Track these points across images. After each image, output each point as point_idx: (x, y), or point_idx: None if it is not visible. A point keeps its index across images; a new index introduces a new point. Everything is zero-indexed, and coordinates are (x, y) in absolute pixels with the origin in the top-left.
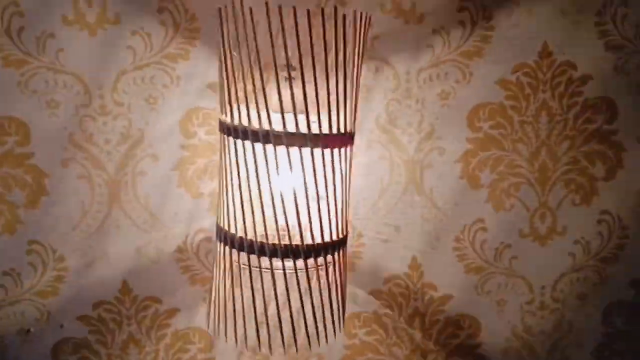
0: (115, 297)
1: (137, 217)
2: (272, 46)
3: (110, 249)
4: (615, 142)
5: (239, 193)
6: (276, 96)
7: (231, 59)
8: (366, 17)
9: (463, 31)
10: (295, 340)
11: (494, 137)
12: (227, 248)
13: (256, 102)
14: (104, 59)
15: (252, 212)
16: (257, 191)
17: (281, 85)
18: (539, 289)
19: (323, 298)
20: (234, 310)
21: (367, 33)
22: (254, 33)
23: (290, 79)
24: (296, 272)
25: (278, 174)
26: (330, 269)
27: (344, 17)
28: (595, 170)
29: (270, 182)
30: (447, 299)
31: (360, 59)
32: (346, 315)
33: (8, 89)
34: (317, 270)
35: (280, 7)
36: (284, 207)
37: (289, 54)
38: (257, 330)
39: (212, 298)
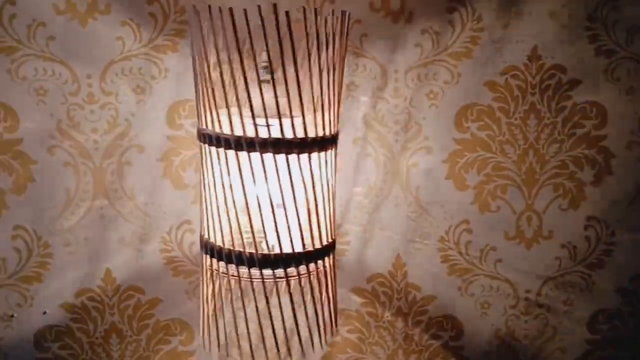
0: (98, 285)
1: (121, 207)
2: (253, 46)
3: (94, 238)
4: (604, 148)
5: (215, 202)
6: (252, 101)
7: (204, 65)
8: (347, 18)
9: (452, 32)
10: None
11: (481, 139)
12: (213, 259)
13: (227, 109)
14: (94, 49)
15: (232, 221)
16: (238, 200)
17: (256, 90)
18: (524, 292)
19: (314, 306)
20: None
21: (348, 34)
22: (235, 34)
23: (272, 80)
24: (287, 279)
25: (254, 182)
26: (317, 277)
27: (325, 19)
28: (584, 175)
29: (246, 190)
30: (430, 299)
31: (341, 60)
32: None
33: None
34: (300, 279)
35: (259, 7)
36: (273, 215)
37: (265, 57)
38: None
39: (202, 311)
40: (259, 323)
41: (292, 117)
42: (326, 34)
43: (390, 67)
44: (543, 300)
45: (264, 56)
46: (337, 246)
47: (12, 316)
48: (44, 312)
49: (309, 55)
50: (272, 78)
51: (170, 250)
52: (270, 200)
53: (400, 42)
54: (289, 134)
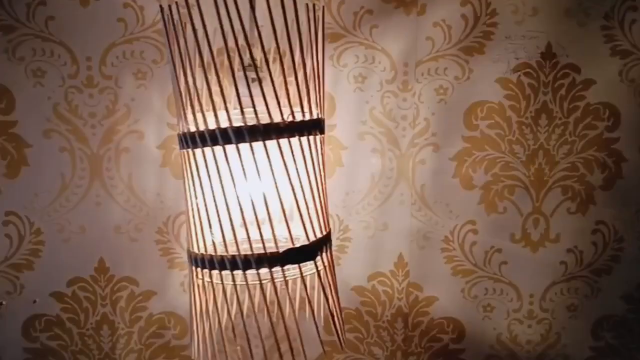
0: (90, 275)
1: (118, 195)
2: (224, 37)
3: (88, 226)
4: (616, 151)
5: (204, 206)
6: (233, 92)
7: (180, 60)
8: (320, 8)
9: (465, 26)
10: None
11: (490, 137)
12: (209, 270)
13: (212, 101)
14: (94, 30)
15: (226, 223)
16: (226, 198)
17: (238, 79)
18: (528, 296)
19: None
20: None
21: (323, 22)
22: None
23: (256, 69)
24: (285, 279)
25: (245, 177)
26: (320, 273)
27: (295, 5)
28: (594, 178)
29: (236, 186)
30: (432, 300)
31: (318, 44)
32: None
33: None
34: (302, 276)
35: None
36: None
37: (241, 44)
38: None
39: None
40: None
41: (274, 105)
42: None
43: (400, 60)
44: (547, 305)
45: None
46: (339, 243)
47: (1, 304)
48: (34, 301)
49: (300, 43)
50: (255, 65)
51: (167, 241)
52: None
53: (412, 34)
54: (265, 120)
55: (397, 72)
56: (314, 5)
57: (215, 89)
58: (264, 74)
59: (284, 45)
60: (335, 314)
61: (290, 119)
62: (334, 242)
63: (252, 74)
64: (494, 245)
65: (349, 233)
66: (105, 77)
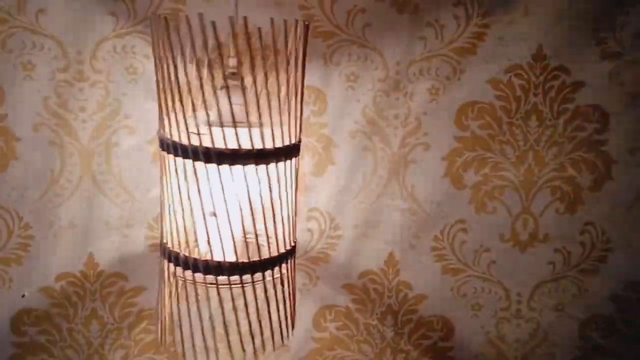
0: (80, 270)
1: (108, 190)
2: (207, 54)
3: (78, 221)
4: (605, 153)
5: (180, 210)
6: (211, 109)
7: (164, 71)
8: (303, 26)
9: (457, 26)
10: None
11: (481, 137)
12: (170, 264)
13: (184, 117)
14: (85, 24)
15: (190, 228)
16: (200, 209)
17: (220, 97)
18: (516, 296)
19: (276, 307)
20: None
21: (306, 42)
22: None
23: (242, 87)
24: (242, 286)
25: (220, 190)
26: (279, 281)
27: (285, 26)
28: (582, 180)
29: (203, 199)
30: (421, 298)
31: (300, 68)
32: (317, 308)
33: None
34: (253, 285)
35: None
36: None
37: (226, 64)
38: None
39: (160, 310)
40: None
41: (249, 127)
42: (288, 44)
43: (392, 59)
44: (535, 304)
45: (232, 62)
46: (329, 240)
47: None
48: (23, 295)
49: (276, 62)
50: (242, 84)
51: (157, 237)
52: (227, 209)
53: (404, 34)
54: (247, 145)
55: (390, 71)
56: (297, 24)
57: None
58: (237, 88)
59: (266, 66)
60: (286, 315)
61: (271, 146)
62: (325, 240)
63: (233, 82)
64: (483, 244)
65: (340, 231)
66: (96, 71)
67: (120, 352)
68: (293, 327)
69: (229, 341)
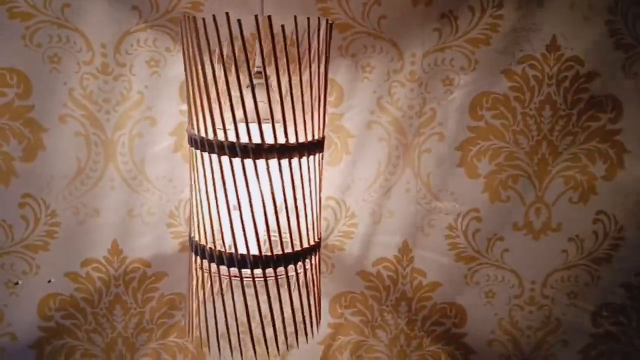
0: (104, 257)
1: (131, 179)
2: (234, 55)
3: (102, 209)
4: (618, 142)
5: (207, 204)
6: (240, 107)
7: (196, 71)
8: (326, 25)
9: (472, 17)
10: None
11: (495, 127)
12: (200, 259)
13: (221, 114)
14: (109, 18)
15: (225, 224)
16: (225, 203)
17: (245, 95)
18: (529, 283)
19: (300, 302)
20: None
21: (329, 41)
22: (219, 42)
23: (267, 85)
24: (266, 280)
25: (247, 186)
26: (302, 276)
27: (308, 26)
28: (596, 169)
29: (237, 194)
30: (435, 286)
31: (324, 65)
32: (333, 294)
33: (12, 40)
34: (288, 278)
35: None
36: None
37: (253, 63)
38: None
39: (190, 308)
40: (242, 318)
41: (273, 123)
42: (310, 41)
43: (408, 50)
44: (548, 292)
45: (258, 62)
46: (345, 229)
47: (17, 283)
48: (49, 281)
49: (299, 62)
50: (267, 83)
51: (178, 225)
52: (251, 203)
53: (419, 25)
54: (270, 140)
55: (405, 62)
56: (324, 23)
57: (223, 100)
58: (261, 87)
59: (290, 66)
60: (311, 306)
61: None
62: (341, 228)
63: (258, 80)
64: (496, 232)
65: (355, 219)
66: (120, 64)
67: (143, 336)
68: (319, 322)
69: (252, 335)
